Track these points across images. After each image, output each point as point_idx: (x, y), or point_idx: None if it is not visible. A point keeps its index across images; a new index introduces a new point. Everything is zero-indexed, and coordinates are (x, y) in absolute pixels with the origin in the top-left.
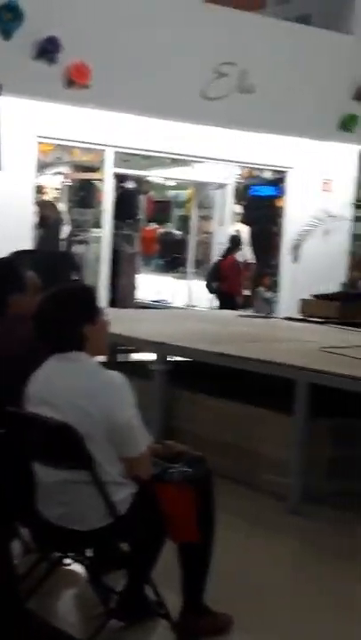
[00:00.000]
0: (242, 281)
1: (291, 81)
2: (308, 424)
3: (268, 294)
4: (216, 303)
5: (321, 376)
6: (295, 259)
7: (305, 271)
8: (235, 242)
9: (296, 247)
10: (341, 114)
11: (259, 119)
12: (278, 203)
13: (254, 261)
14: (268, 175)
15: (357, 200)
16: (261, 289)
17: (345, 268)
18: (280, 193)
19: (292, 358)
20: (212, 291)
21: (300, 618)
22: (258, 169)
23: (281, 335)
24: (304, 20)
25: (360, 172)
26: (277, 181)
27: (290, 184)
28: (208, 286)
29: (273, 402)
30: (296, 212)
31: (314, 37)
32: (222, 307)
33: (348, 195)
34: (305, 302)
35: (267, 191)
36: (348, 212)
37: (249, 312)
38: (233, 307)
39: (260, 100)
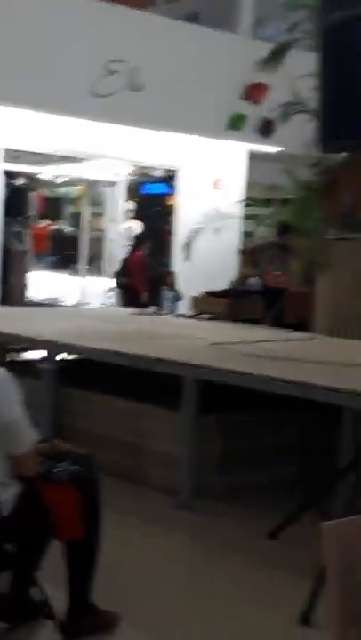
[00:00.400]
0: (147, 278)
1: (180, 79)
2: (198, 419)
3: (171, 293)
4: (112, 300)
5: (209, 372)
6: (187, 256)
7: (197, 269)
8: (141, 238)
9: (188, 245)
10: (230, 113)
11: (149, 117)
12: (170, 200)
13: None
14: (159, 173)
15: (247, 198)
16: (165, 288)
17: (236, 266)
18: (171, 191)
19: (181, 355)
20: (121, 286)
21: (190, 612)
22: (149, 167)
23: (172, 332)
24: (192, 18)
25: (249, 171)
26: (169, 179)
27: (181, 182)
28: (117, 282)
29: (164, 398)
30: (187, 210)
31: (203, 36)
32: (128, 303)
33: (238, 193)
34: (196, 299)
35: (158, 189)
36: (238, 210)
37: (153, 310)
38: (138, 304)
39: (151, 98)
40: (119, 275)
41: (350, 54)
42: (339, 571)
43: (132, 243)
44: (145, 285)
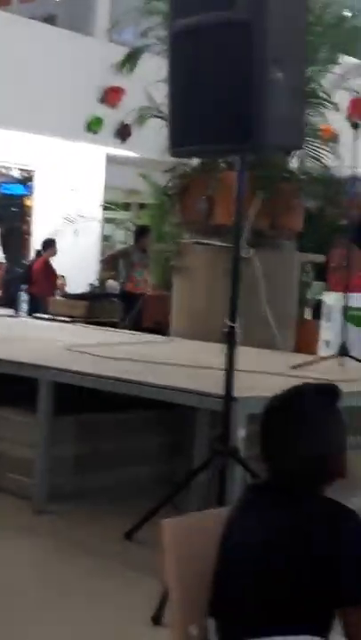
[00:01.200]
0: (54, 284)
1: (38, 80)
2: (52, 422)
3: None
4: None
5: (64, 374)
6: None
7: (56, 271)
8: (47, 244)
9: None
10: (88, 115)
11: (3, 116)
12: (27, 202)
13: (5, 261)
14: (16, 174)
15: (105, 202)
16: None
17: (95, 269)
18: (29, 192)
19: (37, 357)
20: (25, 294)
21: (44, 617)
22: (5, 167)
23: (28, 334)
24: (50, 20)
25: (107, 175)
26: (26, 180)
27: (39, 183)
28: (19, 290)
29: (17, 401)
30: (46, 212)
31: (60, 38)
32: (32, 310)
33: (98, 196)
34: (54, 301)
35: (16, 190)
36: (98, 213)
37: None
38: (44, 310)
39: (6, 98)
40: (21, 281)
41: (195, 60)
42: (177, 568)
43: (39, 248)
44: (50, 291)
